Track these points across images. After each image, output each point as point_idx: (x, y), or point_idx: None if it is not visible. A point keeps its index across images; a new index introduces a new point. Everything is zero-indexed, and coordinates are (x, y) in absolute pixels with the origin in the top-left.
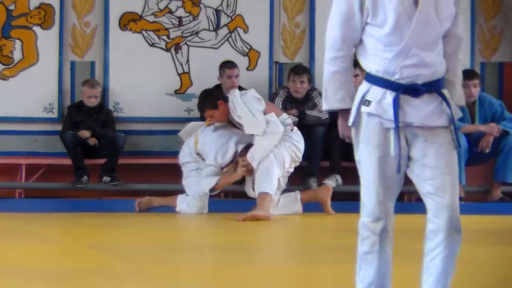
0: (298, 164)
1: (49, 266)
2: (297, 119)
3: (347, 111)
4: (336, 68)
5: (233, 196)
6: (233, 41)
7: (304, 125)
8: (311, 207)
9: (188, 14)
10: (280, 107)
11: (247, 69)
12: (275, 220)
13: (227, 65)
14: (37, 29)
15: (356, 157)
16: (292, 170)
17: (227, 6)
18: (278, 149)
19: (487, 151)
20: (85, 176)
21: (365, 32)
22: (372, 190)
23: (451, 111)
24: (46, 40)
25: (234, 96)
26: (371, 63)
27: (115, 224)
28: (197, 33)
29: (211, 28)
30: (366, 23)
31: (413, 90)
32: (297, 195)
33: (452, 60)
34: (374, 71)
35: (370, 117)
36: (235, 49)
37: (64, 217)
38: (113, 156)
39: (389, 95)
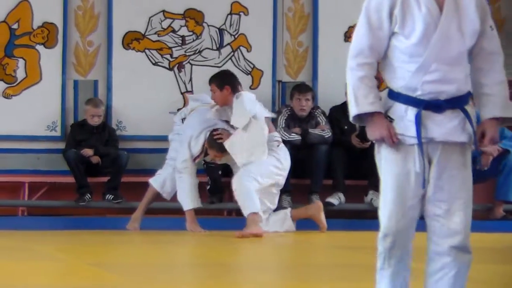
0: (282, 180)
1: (52, 284)
2: (300, 138)
3: (375, 116)
4: (364, 73)
5: (236, 214)
6: (236, 60)
7: (307, 144)
8: (310, 224)
9: (191, 33)
10: (283, 125)
11: (250, 87)
12: (275, 238)
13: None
14: (40, 48)
15: (379, 172)
16: (275, 190)
17: (230, 25)
18: (258, 163)
19: (485, 168)
20: (88, 194)
21: (390, 45)
22: (387, 206)
23: (474, 128)
24: (49, 59)
25: (242, 96)
26: (395, 77)
27: (118, 242)
28: (200, 52)
29: (214, 47)
30: (393, 33)
31: (435, 106)
32: (287, 212)
33: (491, 75)
34: (397, 87)
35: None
36: (238, 68)
37: (67, 235)
38: (116, 174)
39: (411, 112)
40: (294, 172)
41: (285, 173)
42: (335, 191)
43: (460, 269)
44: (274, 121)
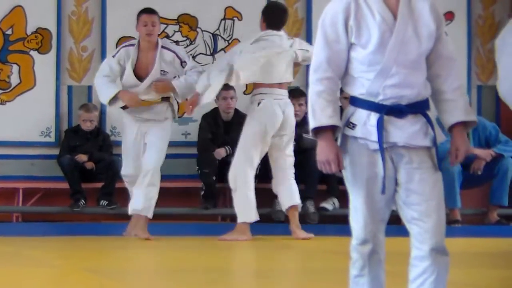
0: (275, 135)
1: None
2: (294, 143)
3: (329, 134)
4: (322, 88)
5: (231, 220)
6: None
7: (301, 149)
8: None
9: (185, 38)
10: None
11: (244, 93)
12: (270, 243)
13: (222, 87)
14: (34, 53)
15: (345, 180)
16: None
17: (224, 30)
18: (244, 140)
19: (479, 173)
20: (82, 200)
21: (349, 57)
22: (359, 212)
23: (435, 133)
24: (43, 65)
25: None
26: (355, 86)
27: (113, 247)
28: (194, 57)
29: (208, 52)
30: (351, 44)
31: (397, 111)
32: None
33: (450, 81)
34: (358, 94)
35: (356, 139)
36: None
37: (61, 240)
38: (111, 180)
39: (373, 117)
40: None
41: (275, 126)
42: (329, 196)
43: (440, 273)
44: None
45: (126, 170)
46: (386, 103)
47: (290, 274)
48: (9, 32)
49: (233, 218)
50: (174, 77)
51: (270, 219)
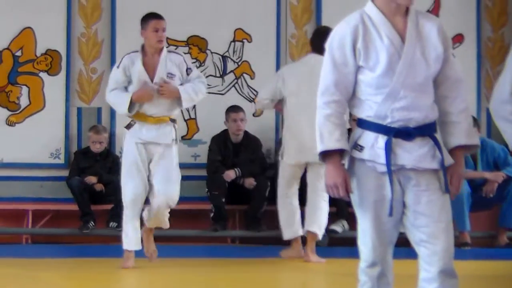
0: None
1: None
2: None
3: (337, 158)
4: (330, 111)
5: (240, 242)
6: (240, 87)
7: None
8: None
9: (194, 60)
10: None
11: (253, 115)
12: (278, 265)
13: (232, 109)
14: (43, 75)
15: (352, 203)
16: None
17: (234, 52)
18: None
19: (491, 195)
20: (92, 222)
21: (357, 80)
22: (367, 235)
23: (443, 156)
24: (53, 86)
25: None
26: (363, 108)
27: (122, 269)
28: None
29: (218, 74)
30: (359, 67)
31: (405, 133)
32: None
33: (456, 103)
34: (366, 116)
35: (363, 162)
36: (242, 95)
37: (70, 262)
38: (120, 201)
39: (381, 139)
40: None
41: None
42: (339, 219)
43: None
44: (277, 149)
45: (126, 196)
46: (394, 126)
47: None
48: (18, 53)
49: (241, 240)
50: (181, 84)
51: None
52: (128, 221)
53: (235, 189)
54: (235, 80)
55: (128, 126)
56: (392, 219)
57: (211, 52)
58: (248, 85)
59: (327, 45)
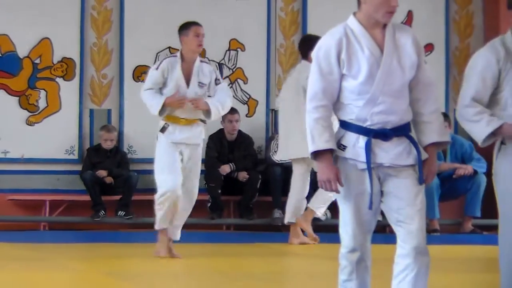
0: None
1: None
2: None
3: (328, 156)
4: (319, 115)
5: (234, 229)
6: (234, 91)
7: None
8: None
9: None
10: (275, 149)
11: (246, 115)
12: (270, 249)
13: (228, 111)
14: (59, 80)
15: (336, 195)
16: None
17: (229, 60)
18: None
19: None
20: (102, 211)
21: (340, 87)
22: (348, 224)
23: (419, 152)
24: (68, 90)
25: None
26: (345, 112)
27: (130, 254)
28: None
29: None
30: (343, 75)
31: (383, 134)
32: None
33: (428, 105)
34: (348, 119)
35: (346, 160)
36: (236, 98)
37: (83, 247)
38: (128, 193)
39: (362, 140)
40: (285, 191)
41: None
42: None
43: (420, 270)
44: (267, 145)
45: (167, 186)
46: (373, 128)
47: (285, 276)
48: (37, 61)
49: (236, 227)
50: (209, 96)
51: (268, 228)
52: (167, 204)
53: (230, 181)
54: (230, 85)
55: (163, 130)
56: (371, 210)
57: (209, 60)
58: (241, 89)
59: (314, 55)
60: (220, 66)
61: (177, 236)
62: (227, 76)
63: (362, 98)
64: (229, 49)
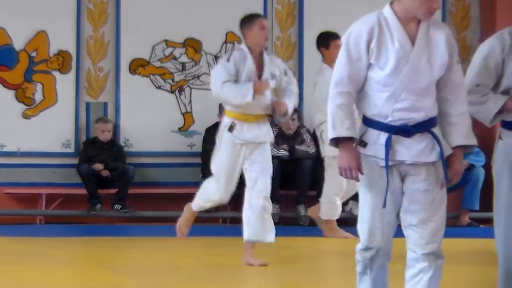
0: None
1: (67, 285)
2: (287, 153)
3: (350, 143)
4: (342, 101)
5: (230, 222)
6: None
7: (294, 158)
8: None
9: (190, 60)
10: (273, 142)
11: None
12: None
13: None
14: (56, 73)
15: (359, 191)
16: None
17: (225, 53)
18: None
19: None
20: (99, 204)
21: (366, 76)
22: (366, 222)
23: (441, 148)
24: (64, 83)
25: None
26: (369, 105)
27: (126, 247)
28: (198, 76)
29: (211, 72)
30: (370, 64)
31: (404, 131)
32: None
33: (456, 106)
34: (370, 114)
35: (367, 157)
36: None
37: (80, 241)
38: (124, 186)
39: (383, 136)
40: (282, 184)
41: None
42: (319, 201)
43: (434, 273)
44: None
45: (218, 195)
46: (394, 124)
47: (282, 269)
48: (33, 54)
49: (232, 220)
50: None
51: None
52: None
53: None
54: None
55: (231, 129)
56: (391, 209)
57: (205, 53)
58: None
59: (344, 40)
60: (216, 59)
61: (268, 238)
62: None
63: (387, 90)
64: (225, 42)
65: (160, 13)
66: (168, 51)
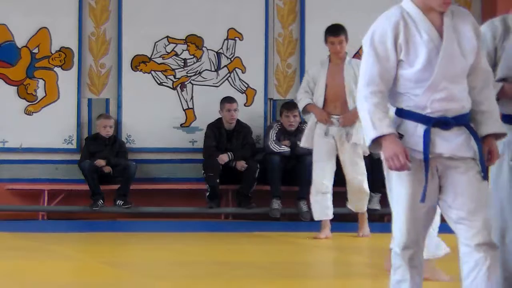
0: None
1: (69, 280)
2: (289, 149)
3: (389, 137)
4: (378, 100)
5: (232, 218)
6: (232, 80)
7: (295, 155)
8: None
9: (192, 57)
10: (274, 138)
11: (244, 105)
12: (266, 239)
13: (226, 100)
14: (58, 70)
15: (387, 188)
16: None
17: (227, 49)
18: None
19: None
20: (101, 200)
21: (396, 74)
22: (401, 219)
23: (479, 145)
24: (66, 80)
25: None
26: (402, 100)
27: (128, 243)
28: (200, 73)
29: (213, 69)
30: (399, 61)
31: (443, 123)
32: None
33: (486, 93)
34: (405, 106)
35: None
36: (234, 87)
37: (82, 237)
38: (126, 182)
39: (420, 128)
40: (284, 179)
41: None
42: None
43: (492, 263)
44: (265, 134)
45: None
46: (433, 116)
47: (284, 265)
48: (35, 50)
49: (234, 216)
50: None
51: (267, 217)
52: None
53: (228, 171)
54: (228, 74)
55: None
56: (426, 205)
57: (207, 49)
58: (240, 79)
59: (367, 40)
60: (218, 55)
61: None
62: (225, 66)
63: (420, 86)
64: (227, 38)
65: (161, 9)
66: (169, 48)
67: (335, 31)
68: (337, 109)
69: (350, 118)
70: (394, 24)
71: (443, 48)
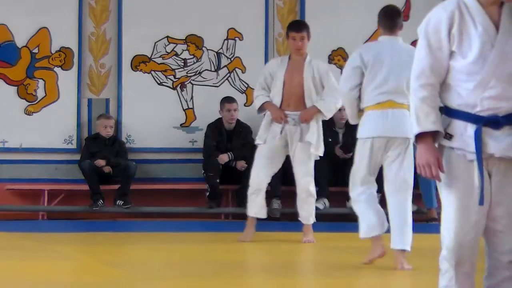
0: None
1: (69, 280)
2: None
3: (429, 139)
4: (426, 94)
5: (232, 218)
6: (232, 80)
7: None
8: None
9: (192, 57)
10: None
11: (244, 105)
12: (266, 239)
13: (226, 100)
14: (58, 70)
15: (439, 189)
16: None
17: (227, 49)
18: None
19: None
20: (101, 200)
21: (448, 66)
22: (451, 222)
23: None
24: (66, 80)
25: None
26: (452, 96)
27: (128, 242)
28: (200, 73)
29: (213, 69)
30: (451, 52)
31: (494, 122)
32: None
33: None
34: (455, 105)
35: (452, 150)
36: (234, 87)
37: (82, 237)
38: (126, 182)
39: (470, 128)
40: (284, 179)
41: None
42: (320, 197)
43: None
44: None
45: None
46: (483, 114)
47: (284, 265)
48: (35, 50)
49: (234, 216)
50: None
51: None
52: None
53: (228, 170)
54: (228, 74)
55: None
56: (480, 208)
57: (207, 49)
58: (239, 79)
59: (422, 29)
60: (218, 55)
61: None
62: (225, 65)
63: (471, 79)
64: (227, 38)
65: (161, 9)
66: (169, 48)
67: (297, 26)
68: (294, 107)
69: (308, 113)
70: (450, 13)
71: (496, 44)
